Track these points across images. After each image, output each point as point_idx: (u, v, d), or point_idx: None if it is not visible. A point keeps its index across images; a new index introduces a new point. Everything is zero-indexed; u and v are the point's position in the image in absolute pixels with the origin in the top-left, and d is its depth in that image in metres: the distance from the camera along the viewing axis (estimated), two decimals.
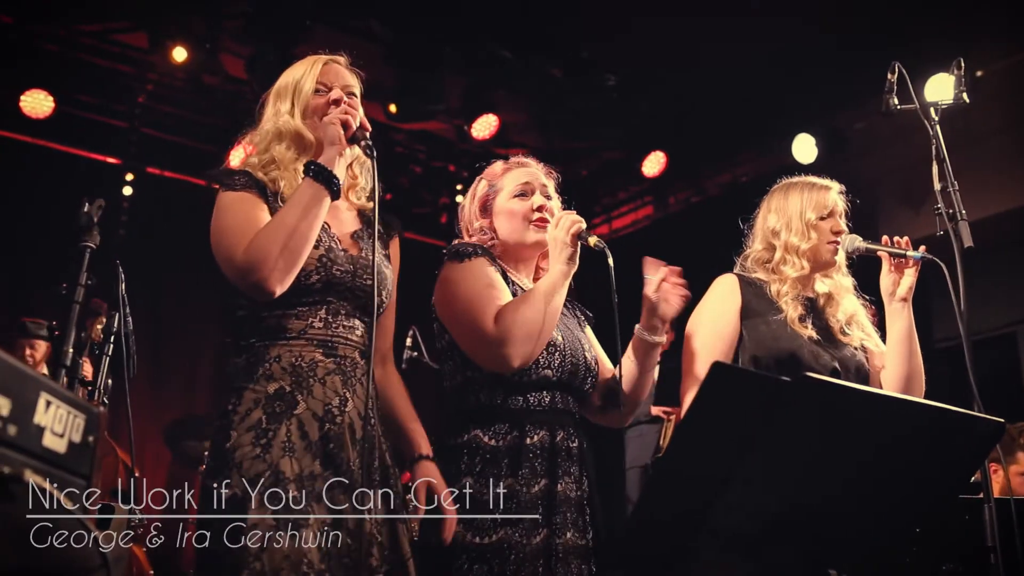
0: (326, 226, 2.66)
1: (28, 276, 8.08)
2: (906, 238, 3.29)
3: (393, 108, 8.08)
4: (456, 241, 3.16)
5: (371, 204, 2.89)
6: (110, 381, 4.03)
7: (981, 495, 2.75)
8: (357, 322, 2.68)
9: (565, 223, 2.89)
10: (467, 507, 2.77)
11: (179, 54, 7.47)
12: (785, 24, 7.38)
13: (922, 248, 3.21)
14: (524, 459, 2.83)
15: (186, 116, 8.65)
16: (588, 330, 3.28)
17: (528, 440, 2.85)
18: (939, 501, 2.28)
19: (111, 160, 8.65)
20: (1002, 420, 2.13)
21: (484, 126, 8.62)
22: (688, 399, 3.28)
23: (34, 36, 7.77)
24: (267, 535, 2.33)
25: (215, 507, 2.40)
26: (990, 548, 2.65)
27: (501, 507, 2.77)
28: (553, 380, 2.92)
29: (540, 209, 3.07)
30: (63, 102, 8.00)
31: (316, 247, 2.57)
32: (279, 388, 2.52)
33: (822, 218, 3.41)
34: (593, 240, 2.88)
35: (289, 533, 2.34)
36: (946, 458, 2.15)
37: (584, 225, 2.89)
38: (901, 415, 2.05)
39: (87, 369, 4.11)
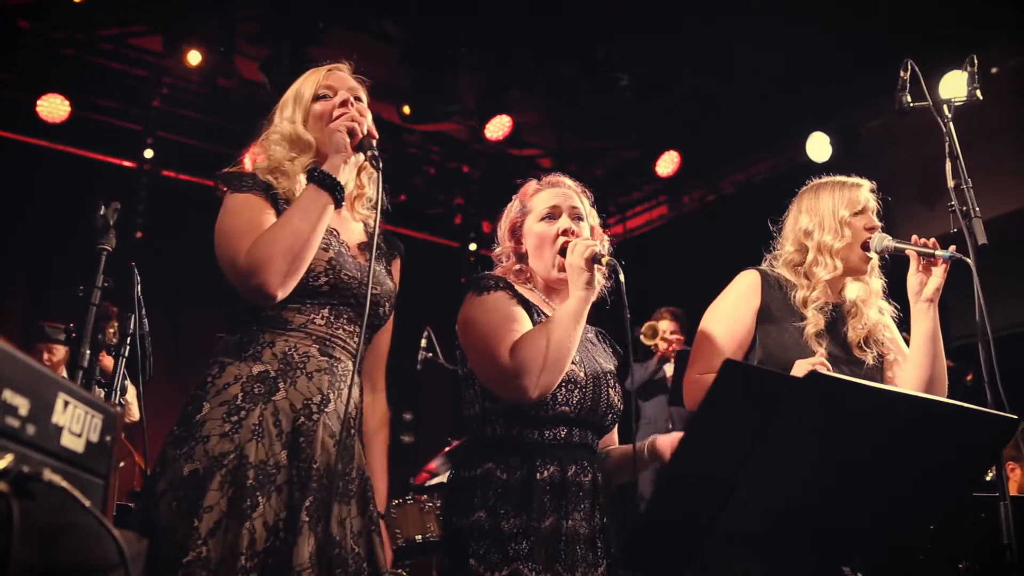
0: (335, 232, 2.67)
1: (45, 278, 8.15)
2: (933, 239, 3.24)
3: (407, 109, 8.09)
4: (479, 273, 3.14)
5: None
6: (128, 383, 4.05)
7: (997, 493, 2.74)
8: (358, 329, 2.65)
9: (580, 249, 2.84)
10: (481, 540, 2.78)
11: (193, 57, 7.50)
12: (799, 23, 7.37)
13: (951, 248, 3.15)
14: (535, 495, 2.80)
15: (201, 119, 8.70)
16: (610, 364, 3.18)
17: (538, 475, 2.82)
18: (953, 498, 2.28)
19: (127, 163, 8.71)
20: (1016, 417, 2.13)
21: (498, 127, 8.63)
22: (690, 388, 3.30)
23: (50, 41, 7.83)
24: (220, 520, 2.31)
25: (173, 478, 2.39)
26: (1006, 546, 2.64)
27: (512, 541, 2.76)
28: (571, 417, 2.90)
29: (566, 233, 3.01)
30: (79, 106, 8.06)
31: (326, 250, 2.58)
32: (264, 371, 2.50)
33: (855, 215, 3.38)
34: (606, 259, 2.83)
35: (237, 521, 2.32)
36: (959, 455, 2.15)
37: (597, 248, 2.84)
38: (913, 412, 2.05)
39: (107, 363, 4.13)
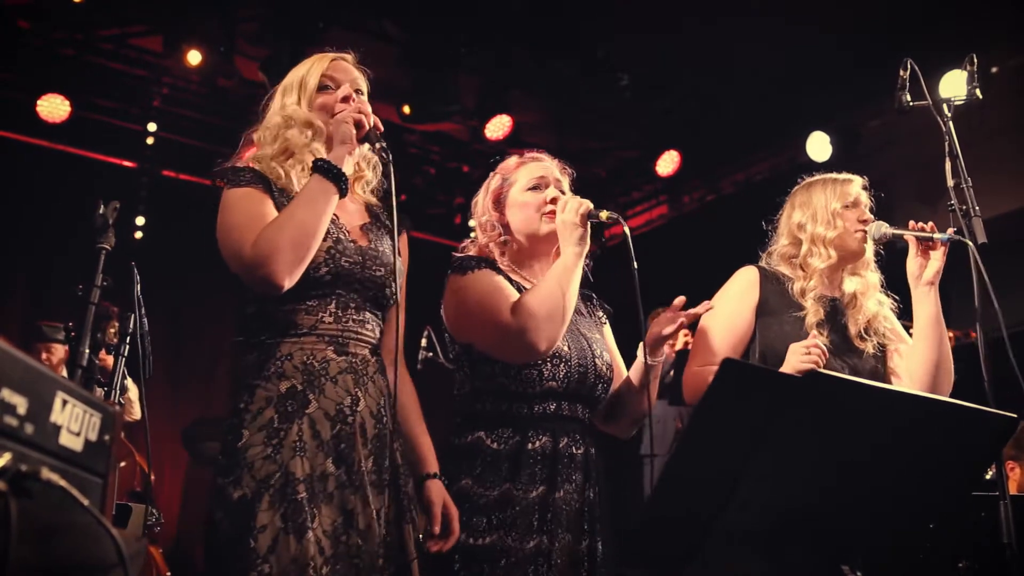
0: (334, 217, 2.64)
1: (45, 278, 8.14)
2: (931, 223, 3.26)
3: (407, 109, 8.09)
4: (459, 253, 3.14)
5: (375, 199, 2.88)
6: (129, 381, 4.04)
7: (997, 492, 2.73)
8: (368, 315, 2.67)
9: (572, 205, 2.89)
10: (464, 507, 2.79)
11: (193, 57, 7.49)
12: (799, 23, 7.36)
13: (950, 230, 3.16)
14: (524, 464, 2.83)
15: (201, 119, 8.69)
16: (606, 330, 3.26)
17: (530, 445, 2.85)
18: (952, 496, 2.28)
19: (127, 163, 8.70)
20: (1015, 415, 2.13)
21: (498, 127, 8.61)
22: (690, 383, 3.32)
23: (50, 41, 7.82)
24: (276, 537, 2.34)
25: (226, 506, 2.41)
26: (1006, 545, 2.64)
27: (497, 510, 2.78)
28: (559, 391, 2.92)
29: (554, 201, 3.04)
30: (79, 106, 8.05)
31: (324, 239, 2.56)
32: (291, 387, 2.50)
33: (847, 207, 3.40)
34: (604, 214, 2.88)
35: (296, 535, 2.34)
36: (959, 454, 2.15)
37: (591, 205, 2.89)
38: (912, 411, 2.05)
39: (107, 361, 4.13)
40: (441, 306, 3.08)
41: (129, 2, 7.70)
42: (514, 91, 8.60)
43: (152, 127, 8.54)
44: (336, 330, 2.60)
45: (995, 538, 2.65)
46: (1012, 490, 3.42)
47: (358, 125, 2.63)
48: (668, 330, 2.92)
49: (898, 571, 2.48)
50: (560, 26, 7.91)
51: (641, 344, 2.99)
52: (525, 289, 3.00)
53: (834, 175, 3.53)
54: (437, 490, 2.74)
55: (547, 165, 3.20)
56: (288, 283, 2.46)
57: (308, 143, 2.71)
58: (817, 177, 3.57)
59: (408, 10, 7.72)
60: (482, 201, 3.21)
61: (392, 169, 2.67)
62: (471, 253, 3.16)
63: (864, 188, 3.50)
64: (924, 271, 3.27)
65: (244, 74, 7.86)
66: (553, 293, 2.79)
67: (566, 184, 3.19)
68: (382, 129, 2.71)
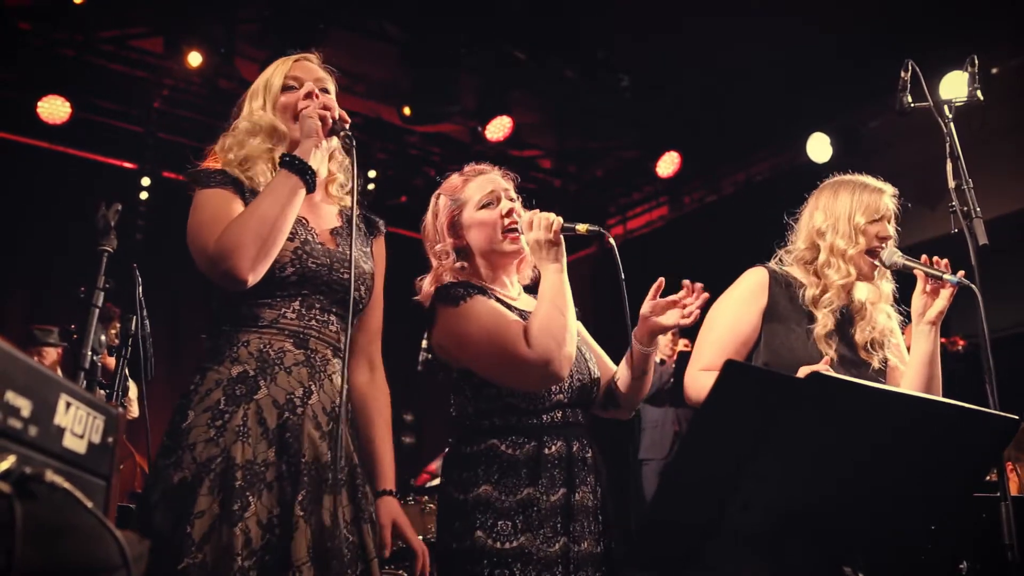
0: (304, 220, 2.64)
1: (46, 280, 8.14)
2: (945, 260, 3.19)
3: (407, 110, 8.09)
4: (442, 283, 3.03)
5: (351, 202, 2.84)
6: (129, 383, 4.05)
7: (998, 493, 2.74)
8: (333, 317, 2.66)
9: (542, 223, 2.83)
10: (487, 512, 2.78)
11: (194, 59, 7.50)
12: (799, 24, 7.37)
13: (960, 273, 3.10)
14: (543, 469, 2.81)
15: (202, 120, 8.69)
16: (579, 326, 3.17)
17: (547, 450, 2.84)
18: (954, 498, 2.28)
19: (127, 165, 8.70)
20: (1017, 417, 2.13)
21: (498, 128, 8.62)
22: (692, 384, 3.29)
23: (50, 42, 7.83)
24: (213, 525, 2.32)
25: (164, 488, 2.38)
26: (1007, 546, 2.64)
27: (521, 514, 2.77)
28: (565, 401, 2.91)
29: (510, 213, 3.00)
30: (79, 107, 8.06)
31: (291, 240, 2.56)
32: (242, 371, 2.50)
33: (871, 222, 3.31)
34: (583, 227, 2.85)
35: (229, 525, 2.32)
36: (961, 455, 2.15)
37: (562, 219, 2.84)
38: (914, 412, 2.05)
39: (109, 364, 4.13)
40: (432, 335, 2.99)
41: (130, 3, 7.71)
42: (514, 91, 8.61)
43: (152, 127, 8.54)
44: (298, 326, 2.59)
45: (995, 539, 2.66)
46: (1012, 491, 3.43)
47: (322, 120, 2.62)
48: (668, 323, 2.90)
49: (899, 572, 2.48)
50: (560, 26, 7.92)
51: (634, 333, 2.94)
52: (506, 303, 2.97)
53: (866, 181, 3.42)
54: (387, 509, 2.74)
55: (492, 177, 3.12)
56: (252, 278, 2.45)
57: (269, 149, 2.72)
58: (848, 179, 3.45)
59: (408, 10, 7.72)
60: (433, 227, 3.12)
61: (356, 156, 2.67)
62: (446, 280, 3.08)
63: (894, 197, 3.40)
64: (928, 310, 3.20)
65: (244, 75, 7.86)
66: (558, 319, 2.75)
67: (512, 190, 3.12)
68: (348, 121, 2.71)
